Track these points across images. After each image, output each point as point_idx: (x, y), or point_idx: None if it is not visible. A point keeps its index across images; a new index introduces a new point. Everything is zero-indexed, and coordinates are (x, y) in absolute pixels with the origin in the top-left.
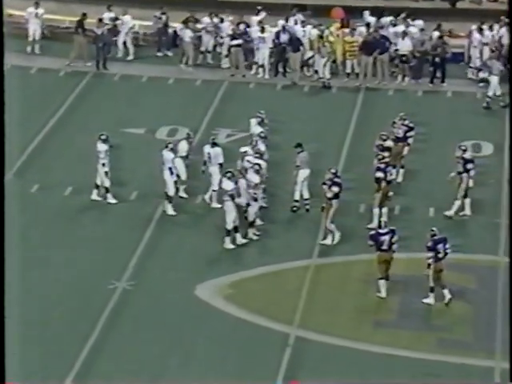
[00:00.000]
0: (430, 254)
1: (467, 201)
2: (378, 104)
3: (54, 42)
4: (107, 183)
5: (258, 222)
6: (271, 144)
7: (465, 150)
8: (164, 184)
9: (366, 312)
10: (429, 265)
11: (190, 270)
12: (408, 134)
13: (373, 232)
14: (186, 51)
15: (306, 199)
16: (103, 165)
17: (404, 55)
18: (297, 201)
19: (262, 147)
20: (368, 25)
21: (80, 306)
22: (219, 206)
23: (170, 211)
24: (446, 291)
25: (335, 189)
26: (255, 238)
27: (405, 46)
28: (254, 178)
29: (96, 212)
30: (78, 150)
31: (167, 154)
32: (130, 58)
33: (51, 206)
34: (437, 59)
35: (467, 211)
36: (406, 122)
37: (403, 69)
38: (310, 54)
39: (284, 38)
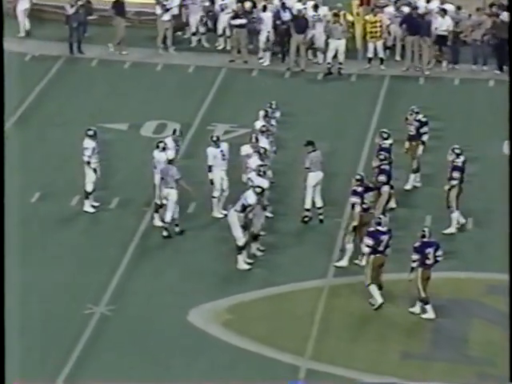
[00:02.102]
0: (416, 257)
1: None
2: (405, 94)
3: (17, 20)
4: (89, 187)
5: (262, 234)
6: (277, 142)
7: (459, 154)
8: (153, 190)
9: (392, 341)
10: (412, 268)
11: (182, 292)
12: (421, 131)
13: (372, 229)
14: (159, 30)
15: (319, 208)
16: (88, 163)
17: (445, 36)
18: (308, 210)
19: (264, 144)
20: (396, 2)
21: (51, 335)
22: (220, 215)
23: (158, 222)
24: (427, 306)
25: (353, 199)
26: (259, 253)
27: (445, 25)
28: (263, 183)
29: (69, 223)
30: (47, 148)
31: (159, 156)
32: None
33: (15, 214)
34: (490, 41)
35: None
36: (419, 117)
37: (441, 52)
38: (309, 35)
39: (286, 17)
